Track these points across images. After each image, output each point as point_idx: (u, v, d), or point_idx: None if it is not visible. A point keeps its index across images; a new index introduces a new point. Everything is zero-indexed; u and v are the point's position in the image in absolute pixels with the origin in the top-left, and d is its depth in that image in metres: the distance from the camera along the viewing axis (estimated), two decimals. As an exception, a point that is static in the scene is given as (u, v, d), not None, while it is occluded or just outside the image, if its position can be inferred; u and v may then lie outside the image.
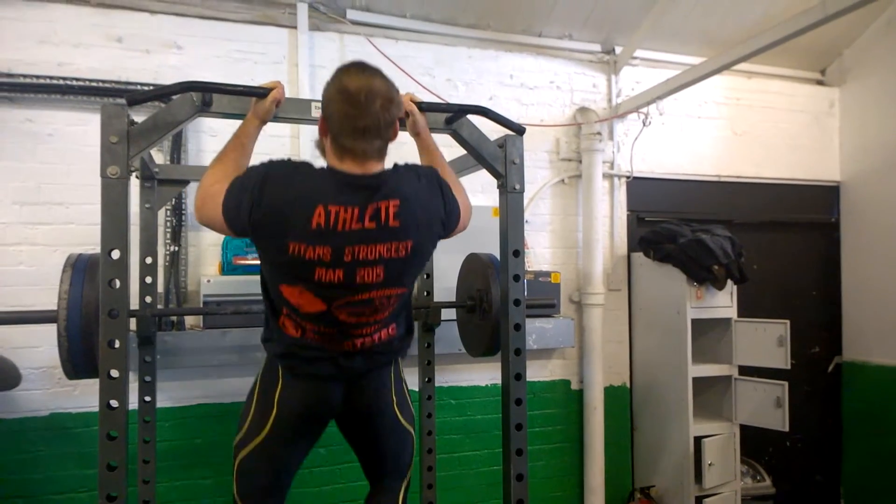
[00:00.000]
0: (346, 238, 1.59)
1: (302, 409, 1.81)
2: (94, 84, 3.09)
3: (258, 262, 1.81)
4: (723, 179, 4.38)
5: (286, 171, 1.64)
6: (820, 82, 4.70)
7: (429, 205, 1.76)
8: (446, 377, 3.66)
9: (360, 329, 1.75)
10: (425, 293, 2.92)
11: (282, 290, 1.68)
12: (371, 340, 1.78)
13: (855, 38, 4.47)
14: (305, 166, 1.66)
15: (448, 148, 3.03)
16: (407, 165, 1.78)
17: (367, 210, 1.60)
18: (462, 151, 2.27)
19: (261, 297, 1.83)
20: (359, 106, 1.55)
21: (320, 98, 1.70)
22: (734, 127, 4.41)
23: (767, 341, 3.60)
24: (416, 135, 2.02)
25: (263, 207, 1.59)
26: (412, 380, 2.46)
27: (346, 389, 1.83)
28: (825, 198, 4.69)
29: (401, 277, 1.73)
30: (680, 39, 4.12)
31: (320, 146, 1.71)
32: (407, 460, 2.01)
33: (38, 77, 3.02)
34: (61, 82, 3.04)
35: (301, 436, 1.88)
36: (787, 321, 3.54)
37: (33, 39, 3.07)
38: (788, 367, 3.51)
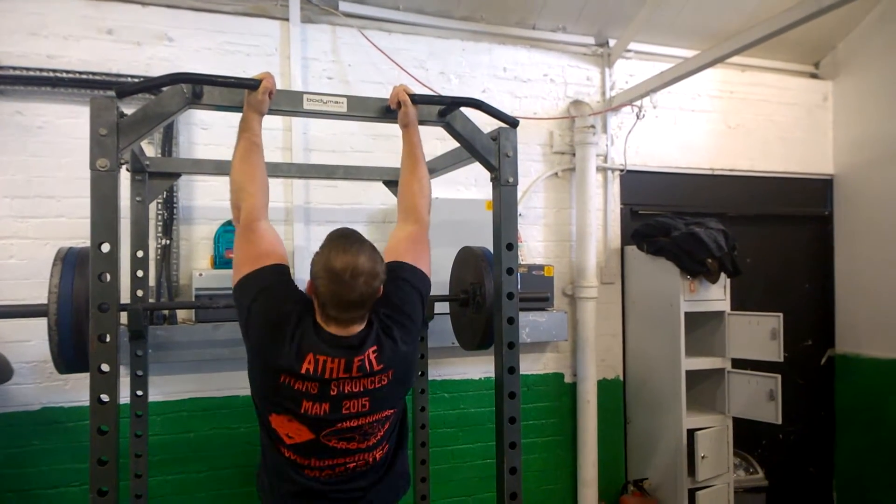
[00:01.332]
0: (334, 381, 1.67)
1: None
2: (84, 76, 3.06)
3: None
4: (716, 172, 4.38)
5: (283, 314, 1.71)
6: (813, 75, 4.71)
7: (410, 332, 1.83)
8: (440, 371, 3.66)
9: (353, 455, 1.77)
10: (419, 287, 2.91)
11: (271, 420, 1.72)
12: (364, 462, 1.79)
13: (848, 32, 4.48)
14: (304, 306, 1.73)
15: (441, 140, 3.03)
16: (378, 307, 1.79)
17: (353, 363, 1.68)
18: (455, 144, 2.26)
19: None
20: (344, 284, 1.63)
21: (312, 90, 1.70)
22: (728, 120, 4.41)
23: (760, 334, 3.61)
24: (405, 126, 2.03)
25: (260, 332, 1.69)
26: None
27: None
28: (818, 191, 4.70)
29: (386, 402, 1.77)
30: (674, 32, 4.12)
31: (308, 289, 1.74)
32: None
33: (28, 69, 3.00)
34: (51, 75, 3.01)
35: None
36: (780, 314, 3.55)
37: (23, 31, 3.04)
38: (781, 360, 3.53)
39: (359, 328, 1.72)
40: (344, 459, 1.76)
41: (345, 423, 1.71)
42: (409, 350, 1.81)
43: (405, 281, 1.87)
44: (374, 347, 1.71)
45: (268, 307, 1.71)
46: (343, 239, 1.71)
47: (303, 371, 1.64)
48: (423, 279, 1.93)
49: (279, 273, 1.78)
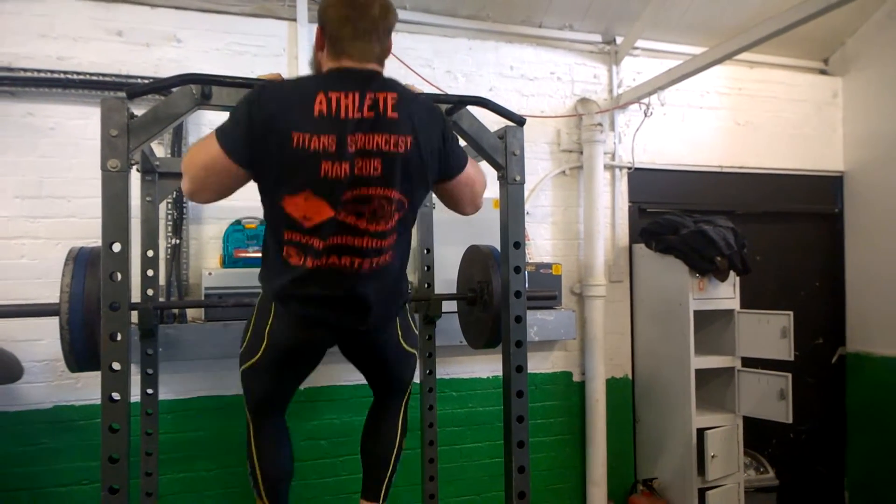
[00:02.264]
0: (348, 126, 1.58)
1: (294, 343, 1.80)
2: (94, 78, 3.08)
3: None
4: (725, 170, 4.36)
5: (280, 80, 1.68)
6: (823, 72, 4.68)
7: (428, 122, 1.73)
8: (448, 369, 3.66)
9: (362, 239, 1.67)
10: (426, 285, 2.92)
11: (285, 205, 1.63)
12: (370, 264, 1.70)
13: (858, 28, 4.45)
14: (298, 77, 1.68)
15: (449, 140, 3.03)
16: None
17: (365, 98, 1.59)
18: (462, 143, 2.26)
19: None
20: (357, 7, 1.58)
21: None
22: (736, 117, 4.39)
23: (770, 333, 3.59)
24: None
25: (264, 110, 1.58)
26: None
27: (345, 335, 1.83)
28: (828, 188, 4.67)
29: (397, 177, 1.66)
30: (681, 29, 4.10)
31: (315, 64, 1.70)
32: (408, 378, 2.05)
33: (38, 71, 3.02)
34: (62, 76, 3.04)
35: (296, 362, 1.89)
36: (791, 312, 3.53)
37: (33, 33, 3.07)
38: (792, 358, 3.50)
39: (374, 65, 1.66)
40: (350, 252, 1.67)
41: (358, 191, 1.62)
42: (429, 128, 1.72)
43: (451, 138, 1.83)
44: (395, 95, 1.64)
45: (278, 90, 1.64)
46: None
47: (316, 114, 1.56)
48: (457, 147, 1.87)
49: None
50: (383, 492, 2.05)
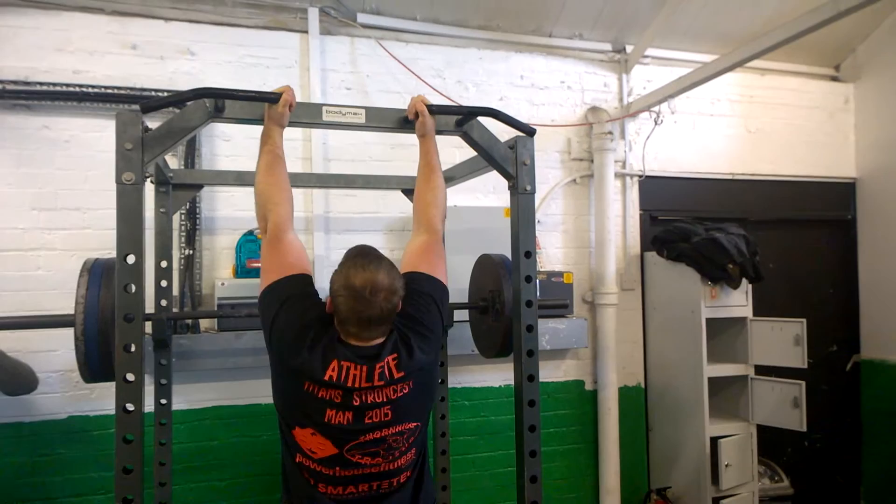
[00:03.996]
0: (355, 388, 1.68)
1: None
2: (109, 91, 3.13)
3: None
4: (737, 177, 4.35)
5: (309, 321, 1.73)
6: (834, 78, 4.66)
7: (429, 342, 1.82)
8: (459, 378, 3.66)
9: (377, 476, 1.76)
10: (438, 295, 2.92)
11: (295, 434, 1.72)
12: (389, 484, 1.78)
13: (869, 34, 4.43)
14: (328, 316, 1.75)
15: (459, 149, 3.05)
16: (396, 318, 1.78)
17: (374, 371, 1.69)
18: (473, 153, 2.27)
19: None
20: (363, 301, 1.65)
21: (332, 102, 1.72)
22: (748, 124, 4.38)
23: (784, 340, 3.56)
24: (422, 136, 2.05)
25: (287, 349, 1.70)
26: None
27: None
28: (841, 195, 4.64)
29: (408, 412, 1.76)
30: (691, 37, 4.10)
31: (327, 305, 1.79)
32: None
33: (54, 85, 3.07)
34: (77, 90, 3.08)
35: None
36: (804, 320, 3.50)
37: (49, 48, 3.11)
38: (805, 366, 3.48)
39: (379, 341, 1.73)
40: (368, 480, 1.75)
41: (368, 436, 1.70)
42: (428, 359, 1.81)
43: (420, 290, 1.88)
44: (394, 355, 1.72)
45: (294, 315, 1.73)
46: (361, 257, 1.73)
47: (326, 378, 1.65)
48: (438, 287, 1.93)
49: (305, 283, 1.80)
50: None
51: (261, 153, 1.89)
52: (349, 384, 1.66)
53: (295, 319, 1.72)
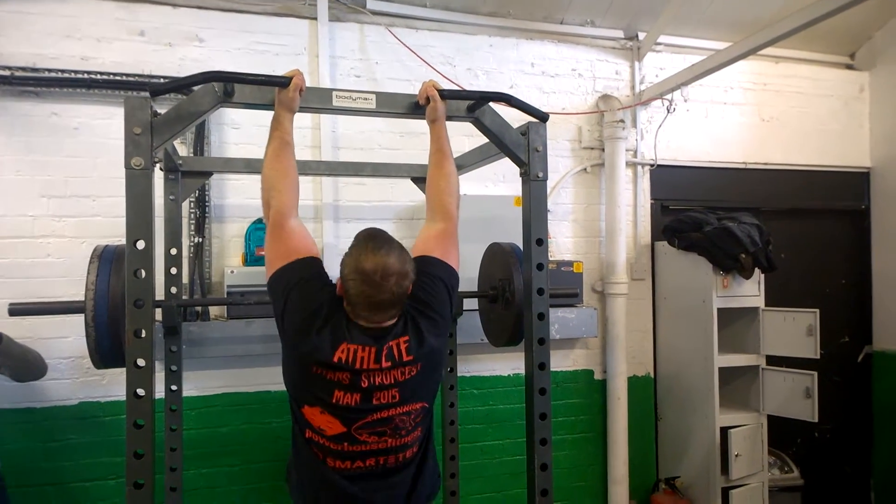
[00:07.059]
0: (363, 370, 1.69)
1: None
2: (117, 78, 3.11)
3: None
4: (749, 166, 4.31)
5: (318, 304, 1.73)
6: (849, 66, 4.60)
7: (438, 326, 1.83)
8: (469, 367, 3.66)
9: (384, 453, 1.78)
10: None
11: (304, 412, 1.74)
12: (395, 459, 1.79)
13: (885, 21, 4.36)
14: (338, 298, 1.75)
15: (469, 137, 3.03)
16: (407, 301, 1.78)
17: (382, 352, 1.70)
18: (483, 140, 2.25)
19: None
20: (374, 285, 1.65)
21: (342, 87, 1.70)
22: (761, 113, 4.33)
23: (796, 331, 3.54)
24: (433, 122, 2.03)
25: (298, 333, 1.70)
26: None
27: None
28: (855, 184, 4.59)
29: (415, 394, 1.78)
30: (704, 24, 4.05)
31: (337, 287, 1.79)
32: None
33: (62, 71, 3.06)
34: (86, 76, 3.07)
35: None
36: (817, 310, 3.48)
37: (57, 34, 3.10)
38: (818, 356, 3.46)
39: (389, 323, 1.73)
40: (375, 455, 1.76)
41: (375, 415, 1.72)
42: (437, 343, 1.81)
43: (432, 274, 1.87)
44: (405, 338, 1.74)
45: (303, 298, 1.72)
46: (372, 240, 1.72)
47: (335, 360, 1.66)
48: (451, 273, 1.93)
49: (312, 265, 1.79)
50: None
51: (270, 139, 1.88)
52: (357, 366, 1.67)
53: (304, 303, 1.72)
